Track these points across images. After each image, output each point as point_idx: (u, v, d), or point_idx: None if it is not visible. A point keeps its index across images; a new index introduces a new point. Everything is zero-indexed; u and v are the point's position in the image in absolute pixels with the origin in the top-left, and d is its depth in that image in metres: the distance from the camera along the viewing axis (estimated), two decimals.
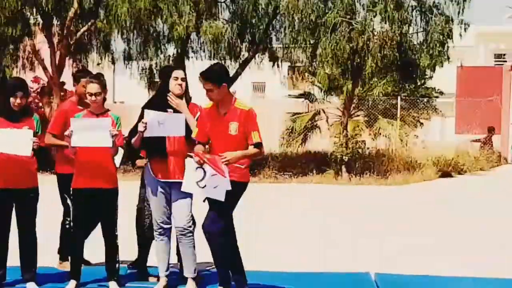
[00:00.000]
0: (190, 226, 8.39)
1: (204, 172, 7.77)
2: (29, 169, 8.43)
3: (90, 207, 8.41)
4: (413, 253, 11.78)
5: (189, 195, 8.36)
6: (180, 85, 8.47)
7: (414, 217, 16.28)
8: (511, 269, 10.76)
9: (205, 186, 7.80)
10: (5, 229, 8.47)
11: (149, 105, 8.50)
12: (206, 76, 8.09)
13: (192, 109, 8.53)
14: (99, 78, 8.65)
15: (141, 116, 8.34)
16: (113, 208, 8.46)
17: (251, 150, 8.00)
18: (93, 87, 8.44)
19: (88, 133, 8.22)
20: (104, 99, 8.62)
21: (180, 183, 8.13)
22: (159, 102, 8.46)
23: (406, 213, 16.94)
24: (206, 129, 8.09)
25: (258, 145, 7.98)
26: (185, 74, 8.66)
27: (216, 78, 8.05)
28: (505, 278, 9.83)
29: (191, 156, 7.86)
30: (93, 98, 8.43)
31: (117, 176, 8.61)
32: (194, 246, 8.44)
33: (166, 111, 8.33)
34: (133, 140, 8.39)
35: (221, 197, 7.77)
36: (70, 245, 8.67)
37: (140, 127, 8.22)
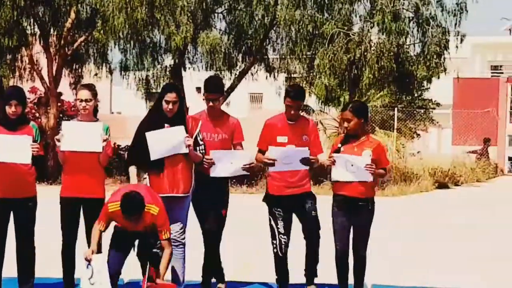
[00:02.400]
0: (183, 239, 8.45)
1: None
2: (27, 178, 8.38)
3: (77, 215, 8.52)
4: (409, 265, 11.78)
5: (185, 209, 8.53)
6: (171, 109, 8.46)
7: (408, 228, 16.28)
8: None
9: None
10: (2, 239, 8.45)
11: (148, 123, 8.55)
12: None
13: (192, 123, 8.58)
14: (90, 86, 8.76)
15: (139, 132, 8.48)
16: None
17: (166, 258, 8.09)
18: (84, 94, 8.50)
19: (78, 138, 8.27)
20: (96, 110, 8.67)
21: (176, 197, 8.36)
22: (156, 119, 8.53)
23: (401, 224, 16.93)
24: None
25: (168, 240, 8.09)
26: (179, 93, 8.64)
27: None
28: None
29: None
30: (84, 104, 8.45)
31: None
32: (184, 259, 8.53)
33: (163, 127, 8.44)
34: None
35: None
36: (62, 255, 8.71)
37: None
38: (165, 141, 8.36)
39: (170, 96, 8.46)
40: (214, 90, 8.74)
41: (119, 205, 7.91)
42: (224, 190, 8.91)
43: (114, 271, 8.14)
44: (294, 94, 8.66)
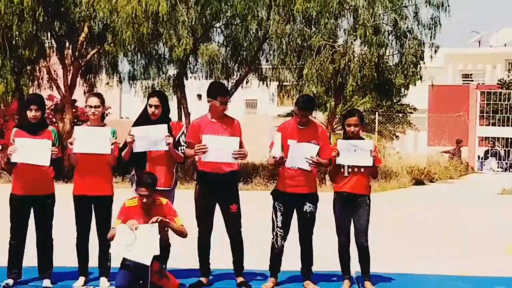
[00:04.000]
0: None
1: None
2: (46, 177, 8.44)
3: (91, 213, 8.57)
4: (392, 256, 11.81)
5: (170, 201, 8.54)
6: (153, 112, 8.59)
7: (387, 221, 16.30)
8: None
9: None
10: (23, 232, 8.48)
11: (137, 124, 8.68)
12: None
13: (175, 127, 8.70)
14: (98, 94, 8.90)
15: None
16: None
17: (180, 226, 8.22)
18: (93, 101, 8.63)
19: (89, 141, 8.30)
20: (103, 116, 8.72)
21: (158, 190, 8.31)
22: (142, 123, 8.64)
23: (381, 217, 16.93)
24: None
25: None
26: (162, 98, 8.74)
27: None
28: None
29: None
30: (93, 110, 8.56)
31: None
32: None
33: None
34: (123, 153, 8.50)
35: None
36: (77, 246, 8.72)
37: (128, 138, 8.43)
38: (148, 137, 8.42)
39: (152, 100, 8.62)
40: (227, 94, 8.83)
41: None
42: (231, 186, 8.77)
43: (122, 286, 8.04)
44: (302, 105, 8.57)
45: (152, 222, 7.89)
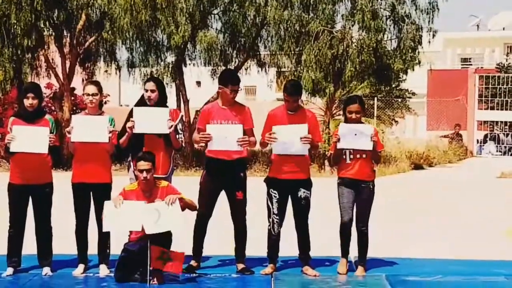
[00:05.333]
0: None
1: None
2: (44, 166, 8.43)
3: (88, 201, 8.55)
4: (393, 239, 11.81)
5: None
6: (149, 97, 8.63)
7: (390, 206, 16.30)
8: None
9: None
10: (22, 221, 8.49)
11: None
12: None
13: (173, 114, 8.65)
14: (96, 82, 8.88)
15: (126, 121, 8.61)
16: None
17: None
18: (90, 89, 8.57)
19: (87, 130, 8.29)
20: (101, 103, 8.71)
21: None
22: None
23: (380, 201, 16.92)
24: None
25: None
26: (158, 84, 8.77)
27: None
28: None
29: None
30: (91, 98, 8.52)
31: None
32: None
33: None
34: (121, 140, 8.47)
35: None
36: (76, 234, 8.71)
37: (129, 124, 8.43)
38: (149, 118, 8.42)
39: (148, 85, 8.66)
40: (238, 82, 8.76)
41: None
42: (238, 173, 8.73)
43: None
44: (290, 90, 8.62)
45: (169, 203, 7.92)
